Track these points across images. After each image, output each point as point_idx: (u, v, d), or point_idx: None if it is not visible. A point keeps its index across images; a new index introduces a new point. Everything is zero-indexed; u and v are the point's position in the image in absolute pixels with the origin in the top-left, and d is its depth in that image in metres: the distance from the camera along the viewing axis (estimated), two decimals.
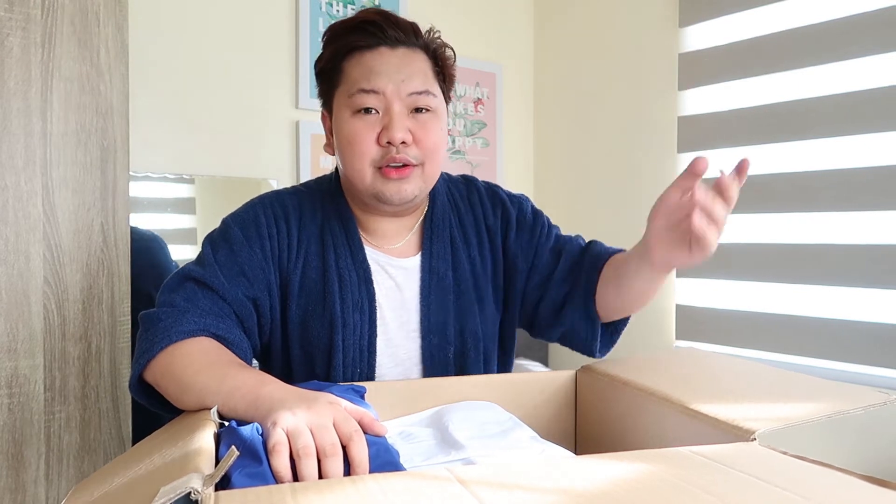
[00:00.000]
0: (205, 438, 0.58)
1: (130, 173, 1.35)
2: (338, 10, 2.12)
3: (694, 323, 2.06)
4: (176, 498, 0.43)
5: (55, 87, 1.22)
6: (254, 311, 0.88)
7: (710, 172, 0.70)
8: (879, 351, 1.66)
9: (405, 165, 0.87)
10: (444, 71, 0.93)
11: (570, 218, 2.44)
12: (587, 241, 1.02)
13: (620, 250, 0.97)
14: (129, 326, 1.34)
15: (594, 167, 2.41)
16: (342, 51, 0.89)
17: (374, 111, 0.86)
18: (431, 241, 0.96)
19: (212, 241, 0.90)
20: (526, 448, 0.71)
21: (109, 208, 1.29)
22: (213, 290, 0.84)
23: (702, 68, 2.04)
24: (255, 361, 1.01)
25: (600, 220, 2.36)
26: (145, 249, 1.58)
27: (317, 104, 2.13)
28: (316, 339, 0.90)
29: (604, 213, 2.36)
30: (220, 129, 1.91)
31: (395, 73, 0.86)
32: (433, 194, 0.99)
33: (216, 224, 0.93)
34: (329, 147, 0.96)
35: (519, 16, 2.63)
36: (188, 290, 0.83)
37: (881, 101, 1.66)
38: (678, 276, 2.09)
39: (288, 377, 0.89)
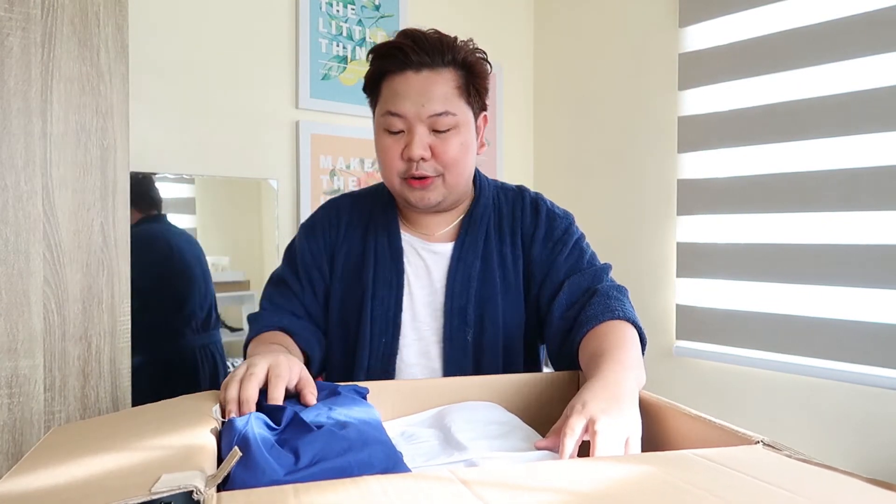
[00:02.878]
0: (206, 435, 0.59)
1: (130, 173, 1.35)
2: (338, 10, 2.11)
3: (694, 323, 2.06)
4: (177, 492, 0.43)
5: (55, 87, 1.22)
6: (320, 299, 1.08)
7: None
8: (879, 351, 1.66)
9: (425, 177, 0.98)
10: (473, 83, 1.01)
11: None
12: (598, 282, 1.01)
13: (618, 306, 0.96)
14: (129, 326, 1.33)
15: (594, 167, 2.41)
16: (378, 73, 1.01)
17: (399, 132, 0.98)
18: (467, 233, 1.07)
19: (289, 249, 1.13)
20: (528, 449, 0.71)
21: (109, 208, 1.29)
22: (288, 290, 1.07)
23: (702, 68, 2.04)
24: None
25: (600, 220, 2.36)
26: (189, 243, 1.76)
27: (316, 104, 2.15)
28: (350, 310, 1.06)
29: (604, 213, 2.36)
30: (220, 129, 1.91)
31: (416, 97, 0.96)
32: (478, 195, 1.09)
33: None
34: None
35: (519, 16, 2.63)
36: (268, 293, 1.09)
37: (881, 101, 1.66)
38: (678, 276, 2.09)
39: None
